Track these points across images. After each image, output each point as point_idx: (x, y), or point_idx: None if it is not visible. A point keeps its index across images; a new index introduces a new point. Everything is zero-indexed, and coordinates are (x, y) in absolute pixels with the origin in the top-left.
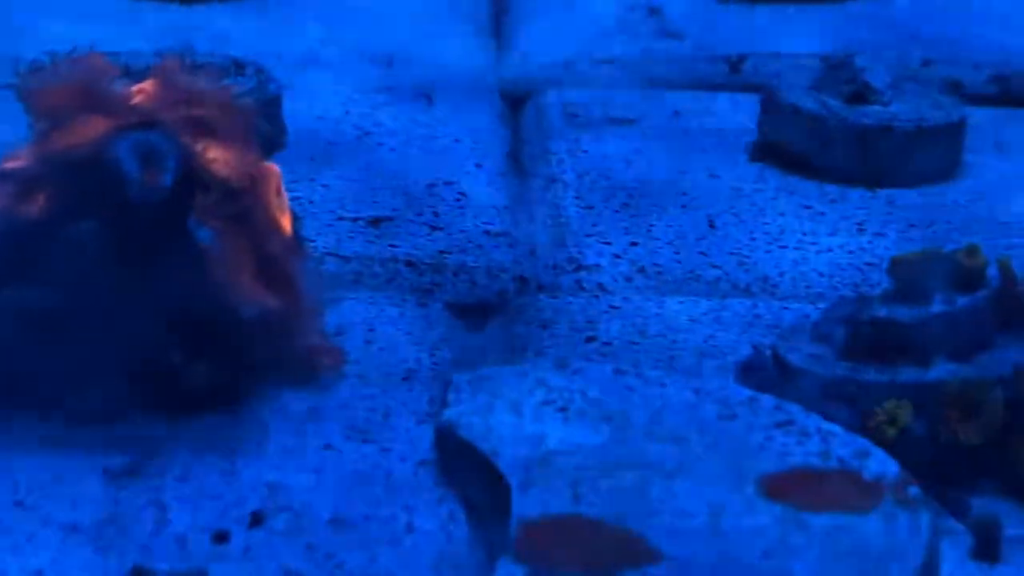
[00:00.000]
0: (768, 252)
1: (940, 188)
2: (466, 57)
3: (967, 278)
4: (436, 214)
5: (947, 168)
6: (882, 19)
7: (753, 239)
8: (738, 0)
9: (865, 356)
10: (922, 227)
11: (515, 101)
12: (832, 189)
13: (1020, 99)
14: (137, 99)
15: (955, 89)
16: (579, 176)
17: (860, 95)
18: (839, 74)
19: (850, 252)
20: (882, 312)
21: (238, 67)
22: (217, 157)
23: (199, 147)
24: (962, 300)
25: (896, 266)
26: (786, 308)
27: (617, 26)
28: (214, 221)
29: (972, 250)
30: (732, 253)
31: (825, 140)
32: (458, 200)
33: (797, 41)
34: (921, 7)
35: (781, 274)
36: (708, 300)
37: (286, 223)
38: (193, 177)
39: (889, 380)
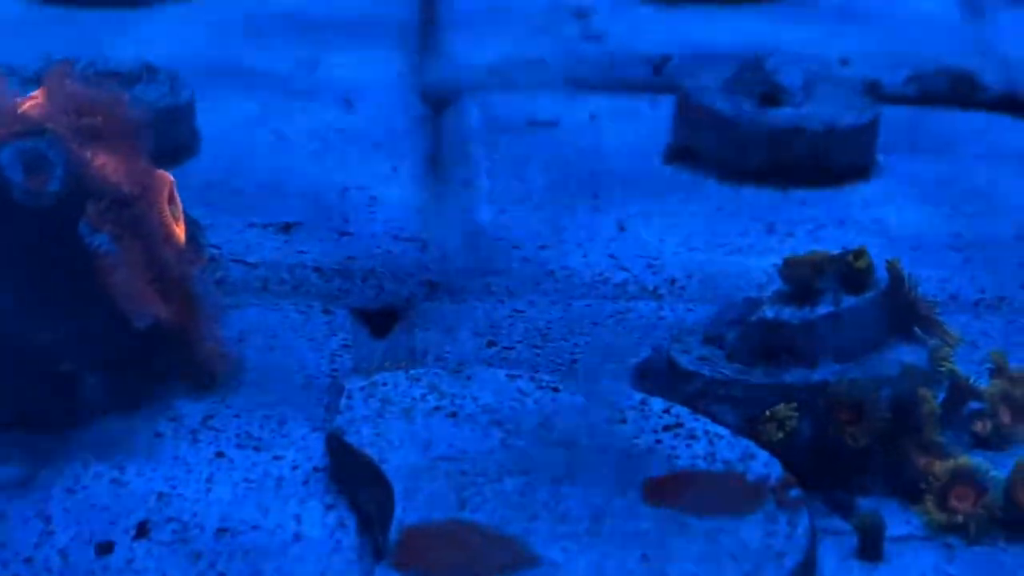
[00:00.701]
0: (676, 254)
1: (848, 188)
2: (391, 62)
3: (856, 280)
4: (347, 220)
5: (860, 168)
6: (805, 19)
7: (662, 241)
8: (663, 1)
9: (754, 358)
10: (832, 227)
11: (439, 105)
12: (744, 190)
13: (936, 98)
14: (25, 107)
15: (873, 89)
16: (493, 180)
17: (772, 97)
18: (751, 76)
19: (759, 253)
20: (770, 314)
21: (150, 73)
22: (106, 164)
23: (88, 154)
24: (849, 302)
25: (786, 268)
26: (691, 311)
27: (543, 29)
28: (106, 228)
29: (859, 253)
30: (641, 256)
31: (737, 142)
32: (370, 205)
33: (722, 41)
34: (844, 8)
35: (689, 276)
36: (614, 303)
37: (180, 231)
38: (82, 184)
39: (775, 382)
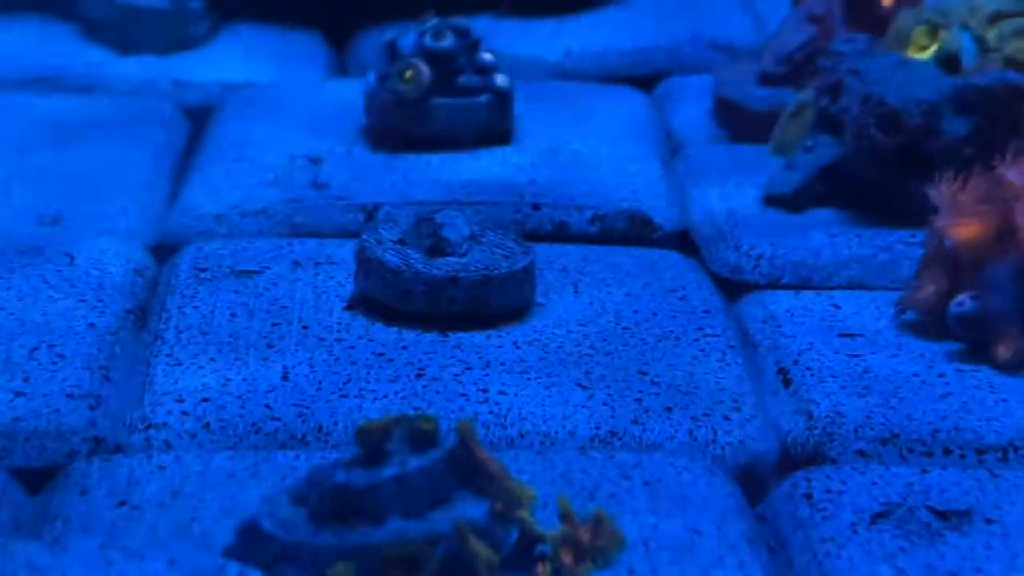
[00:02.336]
0: (328, 402)
1: (507, 329)
2: (130, 212)
3: (424, 441)
4: (27, 379)
5: (519, 311)
6: (514, 163)
7: (320, 389)
8: (388, 150)
9: (328, 519)
10: (478, 368)
11: (165, 255)
12: (409, 335)
13: (616, 237)
14: None
15: (561, 228)
16: (179, 333)
17: (438, 248)
18: (424, 228)
19: (403, 397)
20: (340, 477)
21: None
22: None
23: None
24: (415, 461)
25: (359, 433)
26: (325, 459)
27: (276, 177)
28: None
29: (427, 417)
30: (296, 404)
31: (404, 291)
32: (55, 363)
33: (434, 189)
34: (553, 150)
35: (335, 423)
36: (256, 453)
37: None
38: None
39: (339, 543)
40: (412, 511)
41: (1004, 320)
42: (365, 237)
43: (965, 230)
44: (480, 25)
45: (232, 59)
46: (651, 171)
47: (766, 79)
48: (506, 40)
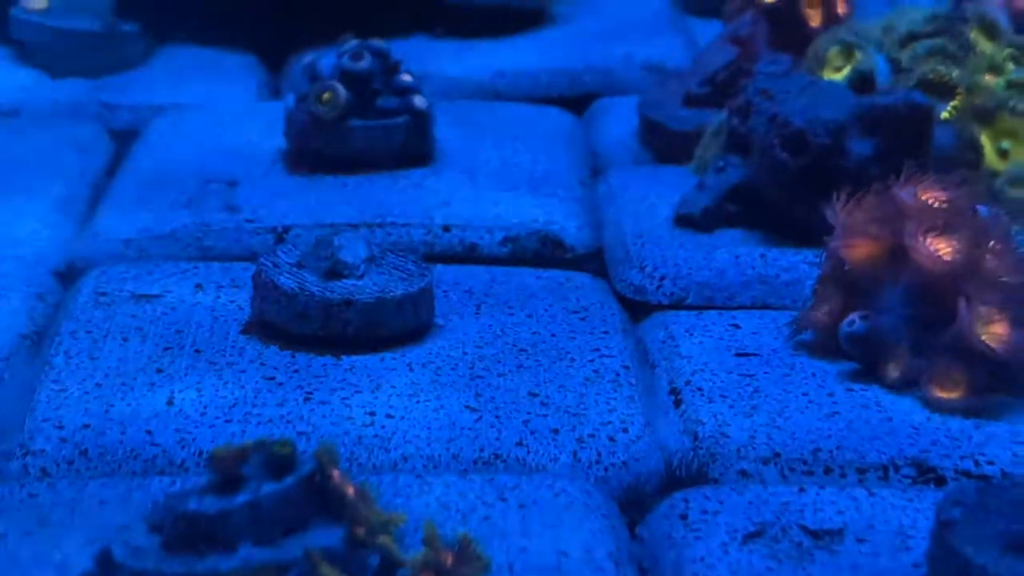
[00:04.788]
0: (212, 427)
1: (402, 351)
2: (40, 236)
3: (280, 466)
4: None
5: (416, 333)
6: (424, 190)
7: (204, 414)
8: (305, 172)
9: (180, 547)
10: (368, 391)
11: (72, 279)
12: (302, 358)
13: (528, 258)
14: None
15: (471, 250)
16: (68, 358)
17: (335, 271)
18: (322, 251)
19: (287, 422)
20: (192, 505)
21: None
22: None
23: None
24: (268, 488)
25: (212, 459)
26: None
27: (190, 200)
28: None
29: (284, 442)
30: (178, 429)
31: (299, 314)
32: None
33: (346, 211)
34: (472, 170)
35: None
36: (128, 480)
37: None
38: None
39: (186, 571)
40: (265, 538)
41: (894, 339)
42: (262, 260)
43: (858, 250)
44: (416, 46)
45: (164, 82)
46: (569, 192)
47: (690, 100)
48: (440, 61)
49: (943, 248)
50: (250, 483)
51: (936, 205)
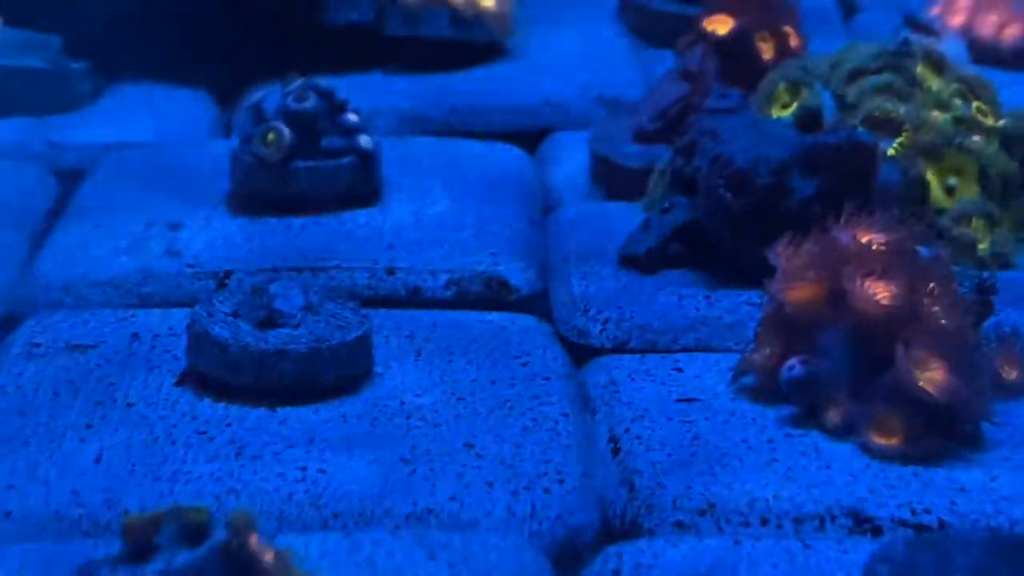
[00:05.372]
0: (139, 486)
1: (339, 402)
2: None
3: (195, 534)
4: None
5: (353, 382)
6: (367, 231)
7: (132, 472)
8: (250, 214)
9: None
10: (301, 445)
11: (9, 326)
12: (235, 411)
13: (472, 301)
14: None
15: (415, 293)
16: None
17: (270, 320)
18: (257, 299)
19: (217, 479)
20: (104, 574)
21: None
22: None
23: None
24: (182, 557)
25: (126, 527)
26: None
27: (131, 244)
28: None
29: (200, 509)
30: (105, 489)
31: (232, 365)
32: None
33: (290, 254)
34: (396, 222)
35: (143, 509)
36: (54, 543)
37: None
38: None
39: None
40: None
41: (834, 384)
42: (197, 310)
43: (797, 293)
44: (370, 82)
45: (113, 120)
46: (516, 232)
47: (640, 135)
48: (394, 97)
49: (881, 292)
50: (163, 553)
51: (875, 247)
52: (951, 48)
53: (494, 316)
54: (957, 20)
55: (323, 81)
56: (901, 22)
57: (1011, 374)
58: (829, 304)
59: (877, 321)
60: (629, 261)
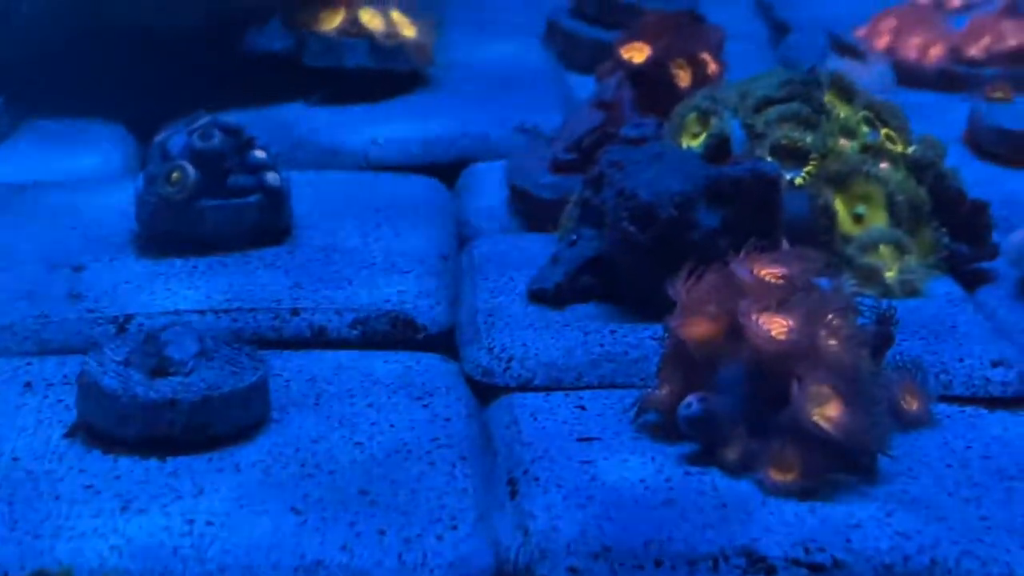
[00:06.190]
0: (19, 544)
1: (232, 450)
2: None
3: None
4: None
5: (248, 430)
6: (278, 273)
7: (14, 529)
8: (155, 256)
9: None
10: (189, 497)
11: None
12: (124, 463)
13: (378, 340)
14: None
15: (320, 334)
16: None
17: (161, 368)
18: (149, 348)
19: (100, 535)
20: None
21: None
22: None
23: None
24: None
25: None
26: None
27: (32, 289)
28: None
29: (66, 570)
30: None
31: (122, 416)
32: None
33: (189, 299)
34: (304, 260)
35: (22, 567)
36: None
37: None
38: None
39: None
40: None
41: (731, 421)
42: (87, 359)
43: (696, 329)
44: (291, 113)
45: (27, 157)
46: (427, 267)
47: (557, 166)
48: (314, 129)
49: (777, 327)
50: None
51: (773, 281)
52: (876, 70)
53: (400, 356)
54: (882, 42)
55: (232, 117)
56: (828, 44)
57: (912, 405)
58: (728, 340)
59: (773, 357)
60: (537, 296)
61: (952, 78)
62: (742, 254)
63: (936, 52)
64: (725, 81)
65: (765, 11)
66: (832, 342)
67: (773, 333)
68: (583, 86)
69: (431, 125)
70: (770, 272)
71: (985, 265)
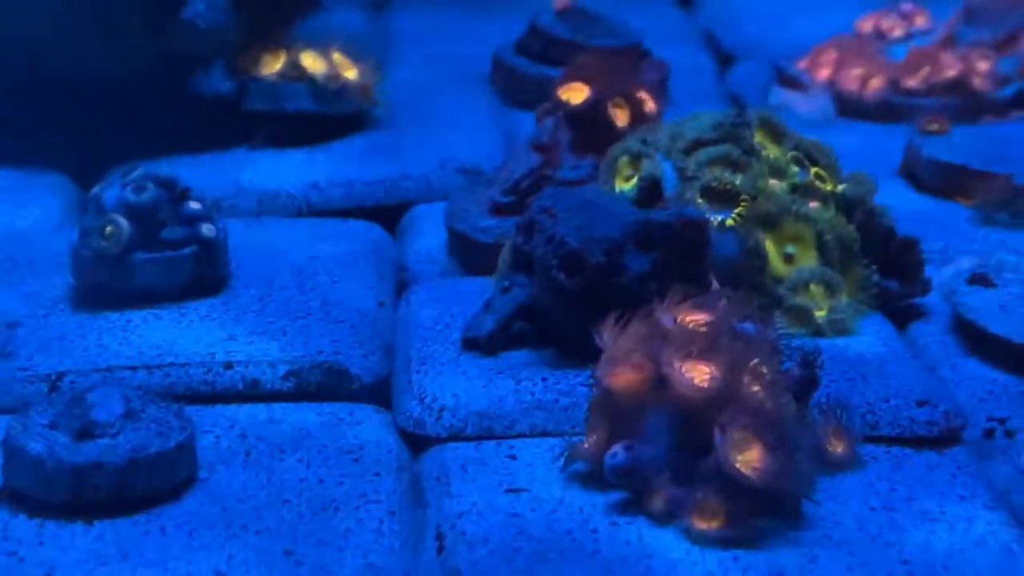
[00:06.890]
0: None
1: (159, 512)
2: None
3: None
4: None
5: (175, 490)
6: (206, 326)
7: None
8: (90, 310)
9: None
10: (114, 561)
11: None
12: (50, 528)
13: (312, 392)
14: None
15: (254, 386)
16: None
17: (87, 431)
18: (75, 409)
19: None
20: None
21: None
22: None
23: None
24: None
25: None
26: None
27: None
28: None
29: None
30: None
31: (47, 480)
32: None
33: (122, 355)
34: (238, 312)
35: None
36: None
37: None
38: None
39: None
40: None
41: (657, 470)
42: (11, 422)
43: (620, 378)
44: (233, 159)
45: None
46: (362, 316)
47: (495, 209)
48: (255, 173)
49: (699, 374)
50: None
51: (695, 328)
52: (818, 102)
53: (333, 408)
54: (823, 74)
55: (167, 168)
56: (773, 76)
57: (837, 447)
58: (653, 388)
59: (696, 404)
60: (470, 344)
61: (892, 109)
62: (667, 301)
63: (876, 83)
64: (663, 120)
65: (712, 43)
66: (755, 388)
67: (696, 381)
68: (528, 124)
69: (373, 168)
70: (694, 318)
71: (919, 301)
